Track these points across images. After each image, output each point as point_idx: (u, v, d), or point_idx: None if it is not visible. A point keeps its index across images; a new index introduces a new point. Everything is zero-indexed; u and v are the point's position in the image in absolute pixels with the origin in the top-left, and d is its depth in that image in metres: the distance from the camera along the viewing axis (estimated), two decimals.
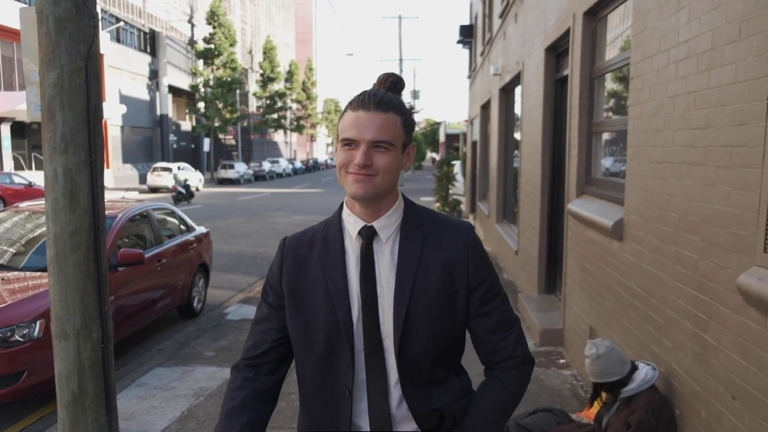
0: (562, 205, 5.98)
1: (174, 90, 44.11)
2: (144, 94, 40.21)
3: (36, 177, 21.59)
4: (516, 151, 9.60)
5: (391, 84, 1.58)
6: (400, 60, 41.94)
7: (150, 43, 41.67)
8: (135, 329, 6.06)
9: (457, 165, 21.24)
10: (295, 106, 68.87)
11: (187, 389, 4.91)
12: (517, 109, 9.37)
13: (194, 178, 33.49)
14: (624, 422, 3.15)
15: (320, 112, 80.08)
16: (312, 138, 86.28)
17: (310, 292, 1.58)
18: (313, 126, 75.96)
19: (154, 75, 41.38)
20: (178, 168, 29.26)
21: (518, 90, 9.17)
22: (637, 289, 3.74)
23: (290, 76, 64.61)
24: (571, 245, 5.48)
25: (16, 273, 5.31)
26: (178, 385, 4.99)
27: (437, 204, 18.41)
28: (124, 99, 35.60)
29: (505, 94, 10.92)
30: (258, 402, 1.59)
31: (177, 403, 4.65)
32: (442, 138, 45.07)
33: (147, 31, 41.32)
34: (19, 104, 22.00)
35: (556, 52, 6.57)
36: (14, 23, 21.57)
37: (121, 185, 30.42)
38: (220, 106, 42.08)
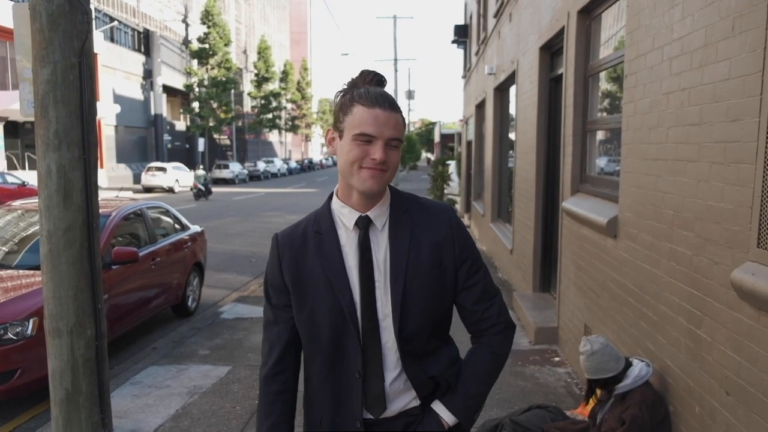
0: (557, 204, 6.00)
1: (168, 90, 43.99)
2: (138, 94, 40.09)
3: (29, 176, 21.49)
4: (511, 151, 9.62)
5: (378, 82, 1.64)
6: (395, 60, 41.91)
7: (144, 42, 41.55)
8: (129, 328, 6.04)
9: (452, 165, 21.28)
10: (290, 106, 68.81)
11: (181, 387, 4.90)
12: (512, 109, 9.38)
13: (188, 178, 33.45)
14: (618, 418, 3.16)
15: (315, 112, 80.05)
16: (307, 138, 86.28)
17: (311, 285, 1.65)
18: (308, 126, 75.94)
19: (148, 75, 41.26)
20: (200, 167, 29.66)
21: (513, 89, 9.19)
22: (631, 286, 3.75)
23: (285, 76, 64.55)
24: (565, 243, 5.50)
25: (9, 271, 5.29)
26: (172, 384, 4.98)
27: None
28: (118, 99, 35.48)
29: (499, 94, 10.94)
30: (292, 408, 1.76)
31: (171, 401, 4.63)
32: (437, 138, 45.14)
33: (141, 30, 41.19)
34: (12, 104, 21.92)
35: (551, 51, 6.58)
36: (7, 22, 21.49)
37: (115, 185, 30.33)
38: (215, 105, 42.02)
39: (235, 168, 41.13)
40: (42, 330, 3.64)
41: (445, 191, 18.97)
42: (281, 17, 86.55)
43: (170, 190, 31.02)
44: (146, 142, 41.55)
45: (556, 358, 5.49)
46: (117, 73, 36.81)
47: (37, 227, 4.16)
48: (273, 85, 58.36)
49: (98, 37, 31.04)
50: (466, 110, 18.27)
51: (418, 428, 1.68)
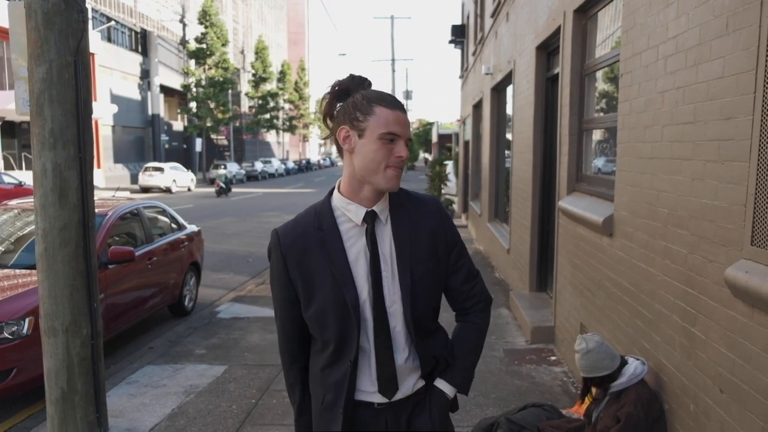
0: (554, 203, 6.01)
1: (166, 90, 43.93)
2: (135, 94, 40.01)
3: (26, 176, 21.43)
4: (507, 151, 9.63)
5: (368, 86, 1.76)
6: (393, 60, 41.91)
7: (141, 42, 41.47)
8: (125, 327, 6.04)
9: (449, 165, 21.27)
10: (287, 106, 68.73)
11: (177, 387, 4.90)
12: (509, 108, 9.39)
13: (186, 178, 33.40)
14: (613, 417, 3.16)
15: (313, 112, 79.93)
16: (304, 138, 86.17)
17: (317, 281, 1.74)
18: (306, 126, 75.80)
19: (145, 75, 41.19)
20: (223, 166, 29.84)
21: (510, 89, 9.19)
22: (626, 285, 3.76)
23: (282, 76, 64.47)
24: (561, 242, 5.50)
25: (5, 270, 5.28)
26: (168, 383, 4.97)
27: None
28: (115, 99, 35.41)
29: (496, 94, 10.95)
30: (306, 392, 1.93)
31: (167, 400, 4.63)
32: (434, 138, 45.07)
33: (138, 30, 41.12)
34: (9, 103, 21.85)
35: (547, 50, 6.59)
36: (2, 21, 21.44)
37: (112, 185, 30.25)
38: (212, 106, 41.93)
39: (232, 168, 41.06)
40: (38, 329, 3.63)
41: (443, 191, 18.98)
42: (279, 17, 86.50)
43: (167, 190, 30.97)
44: (143, 142, 41.47)
45: (553, 357, 5.50)
46: (114, 73, 36.75)
47: (34, 227, 4.15)
48: (270, 86, 58.29)
49: (95, 37, 31.02)
50: (464, 110, 18.27)
51: (428, 404, 1.85)
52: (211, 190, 34.08)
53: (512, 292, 7.46)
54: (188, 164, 43.64)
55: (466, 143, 17.22)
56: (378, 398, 1.79)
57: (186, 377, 5.11)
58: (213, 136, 49.15)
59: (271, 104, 57.34)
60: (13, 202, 6.60)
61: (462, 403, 4.51)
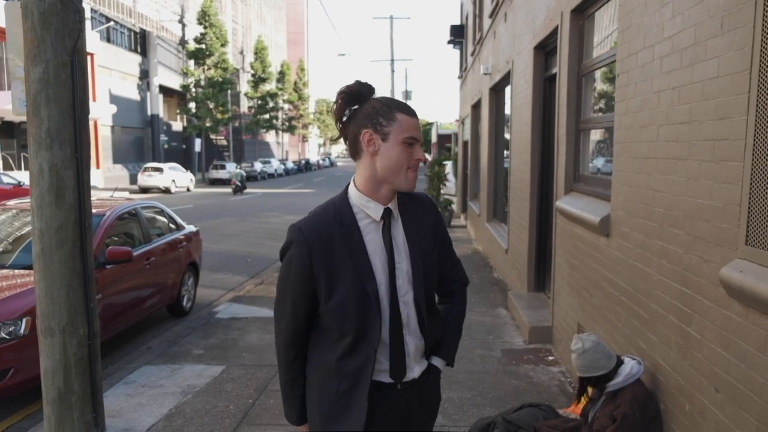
0: (551, 203, 6.01)
1: (165, 90, 43.90)
2: (134, 94, 39.98)
3: (25, 177, 21.37)
4: (506, 151, 9.63)
5: (374, 92, 1.91)
6: (392, 60, 41.89)
7: (140, 42, 41.45)
8: (123, 327, 6.04)
9: (448, 165, 21.25)
10: (286, 106, 68.74)
11: (175, 387, 4.90)
12: (507, 108, 9.40)
13: (185, 178, 33.39)
14: (610, 416, 3.16)
15: (312, 112, 80.00)
16: (304, 138, 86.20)
17: (340, 274, 1.86)
18: (305, 126, 75.87)
19: (144, 75, 41.16)
20: (238, 167, 30.05)
21: (508, 89, 9.20)
22: (623, 285, 3.76)
23: (282, 76, 64.49)
24: (559, 242, 5.51)
25: (3, 271, 5.28)
26: (166, 383, 4.97)
27: None
28: (114, 99, 35.39)
29: (495, 94, 10.95)
30: (303, 368, 2.06)
31: (165, 400, 4.63)
32: (434, 138, 45.02)
33: (137, 30, 41.10)
34: (6, 104, 21.82)
35: (545, 50, 6.60)
36: (0, 22, 21.43)
37: (111, 185, 30.21)
38: (212, 106, 41.93)
39: (231, 168, 41.05)
40: (35, 330, 3.63)
41: (442, 191, 18.97)
42: (278, 18, 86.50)
43: (167, 191, 30.96)
44: (143, 142, 41.45)
45: (550, 357, 5.51)
46: (113, 74, 36.72)
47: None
48: (270, 86, 58.29)
49: (94, 37, 31.00)
50: (463, 110, 18.28)
51: (427, 379, 2.05)
52: (211, 190, 34.14)
53: (510, 292, 7.47)
54: (187, 164, 43.60)
55: (465, 143, 17.23)
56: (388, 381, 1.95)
57: (183, 377, 5.11)
58: (212, 137, 49.13)
59: (271, 104, 57.35)
60: (11, 203, 6.60)
61: (459, 402, 4.52)
